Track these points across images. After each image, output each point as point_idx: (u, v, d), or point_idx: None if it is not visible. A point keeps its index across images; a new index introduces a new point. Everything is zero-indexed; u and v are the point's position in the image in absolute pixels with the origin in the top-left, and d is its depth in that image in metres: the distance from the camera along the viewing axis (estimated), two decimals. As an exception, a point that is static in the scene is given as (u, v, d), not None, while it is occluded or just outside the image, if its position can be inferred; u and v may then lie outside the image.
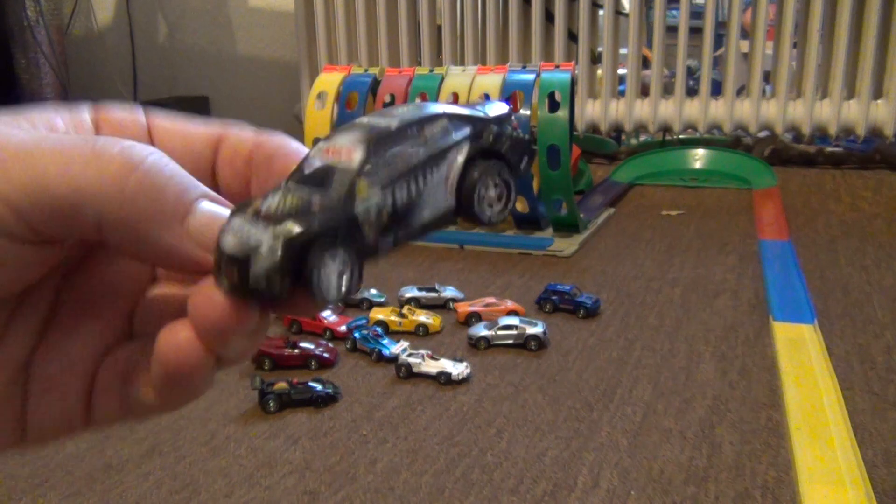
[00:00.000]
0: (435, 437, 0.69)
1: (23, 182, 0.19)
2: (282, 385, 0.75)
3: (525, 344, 0.88)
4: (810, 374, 0.79)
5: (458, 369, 0.80)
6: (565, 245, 1.30)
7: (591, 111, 2.08)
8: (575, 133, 1.90)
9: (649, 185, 1.89)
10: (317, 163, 0.21)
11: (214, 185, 0.25)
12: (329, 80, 1.43)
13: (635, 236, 1.40)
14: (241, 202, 0.22)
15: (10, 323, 0.22)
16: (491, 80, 1.33)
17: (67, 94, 2.29)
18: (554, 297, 1.00)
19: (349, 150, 0.21)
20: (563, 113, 1.28)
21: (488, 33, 2.09)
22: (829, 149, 2.13)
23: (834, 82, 1.90)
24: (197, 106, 2.55)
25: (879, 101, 1.89)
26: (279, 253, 0.19)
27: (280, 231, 0.20)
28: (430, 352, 0.84)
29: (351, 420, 0.73)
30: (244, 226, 0.20)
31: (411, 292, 1.04)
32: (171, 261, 0.22)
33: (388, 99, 1.39)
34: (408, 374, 0.81)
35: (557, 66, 1.33)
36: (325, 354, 0.85)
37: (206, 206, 0.22)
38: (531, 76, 1.31)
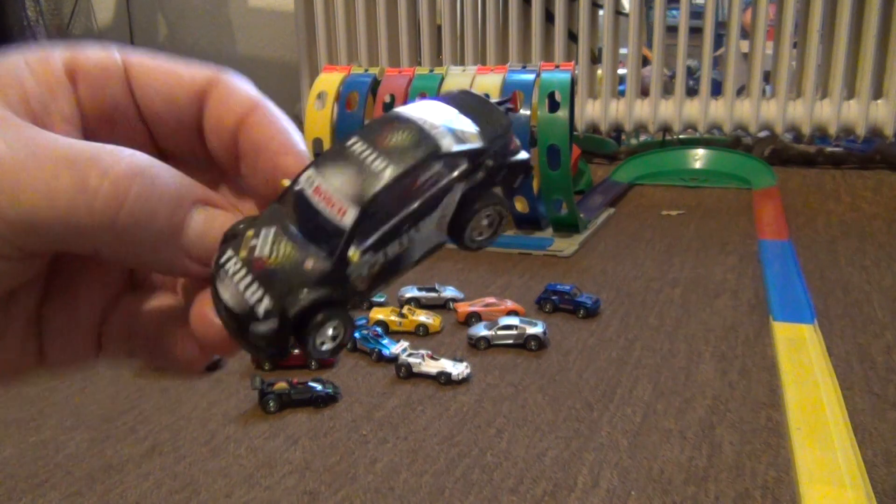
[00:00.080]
0: (435, 437, 0.69)
1: (10, 217, 0.19)
2: (282, 385, 0.75)
3: (525, 344, 0.88)
4: (810, 374, 0.79)
5: (458, 369, 0.80)
6: (565, 245, 1.30)
7: (591, 111, 2.08)
8: (575, 133, 1.90)
9: (649, 185, 1.89)
10: (308, 201, 0.21)
11: (200, 140, 0.24)
12: (329, 80, 1.43)
13: (635, 236, 1.40)
14: (231, 228, 0.22)
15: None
16: (491, 80, 1.33)
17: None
18: (554, 297, 1.00)
19: (342, 209, 0.20)
20: (563, 113, 1.28)
21: (488, 33, 2.09)
22: (829, 149, 2.13)
23: (834, 82, 1.90)
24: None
25: (879, 101, 1.89)
26: (277, 323, 0.20)
27: (276, 299, 0.20)
28: (430, 352, 0.83)
29: (351, 420, 0.73)
30: (239, 272, 0.21)
31: (411, 292, 1.04)
32: (169, 273, 0.22)
33: (388, 99, 1.39)
34: (408, 374, 0.81)
35: (557, 66, 1.33)
36: (325, 354, 0.85)
37: (199, 217, 0.21)
38: (531, 76, 1.31)
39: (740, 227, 1.46)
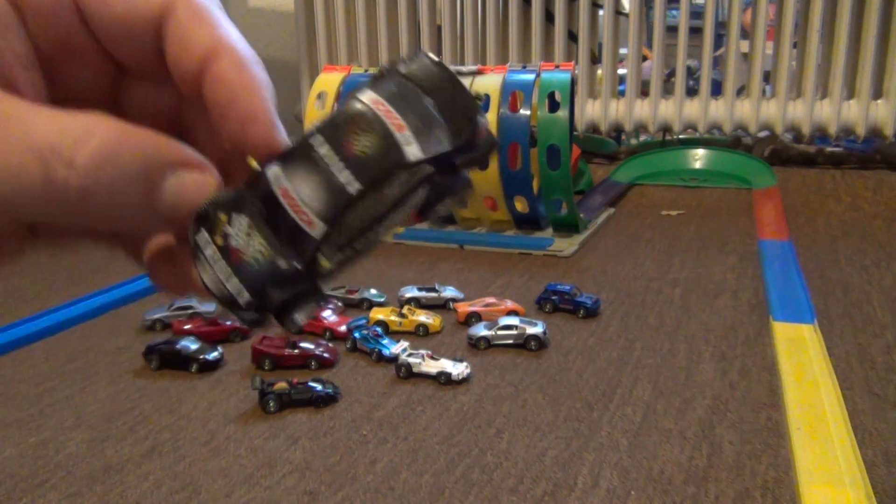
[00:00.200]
0: (435, 437, 0.69)
1: None
2: (282, 385, 0.75)
3: (525, 344, 0.88)
4: (810, 374, 0.79)
5: (458, 369, 0.80)
6: (565, 245, 1.30)
7: (591, 111, 2.08)
8: (575, 133, 1.90)
9: (649, 185, 1.89)
10: (277, 200, 0.22)
11: (165, 65, 0.23)
12: (329, 80, 1.43)
13: (635, 236, 1.40)
14: (203, 206, 0.22)
15: None
16: (491, 80, 1.33)
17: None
18: (554, 297, 1.00)
19: (310, 221, 0.21)
20: (563, 113, 1.28)
21: (488, 33, 2.09)
22: (829, 149, 2.13)
23: (834, 82, 1.90)
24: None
25: (879, 101, 1.89)
26: (256, 314, 0.22)
27: (255, 295, 0.22)
28: (430, 352, 0.83)
29: (351, 420, 0.73)
30: (217, 260, 0.22)
31: (411, 292, 1.04)
32: (143, 235, 0.23)
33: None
34: (408, 374, 0.81)
35: (557, 66, 1.33)
36: (325, 354, 0.85)
37: (172, 187, 0.21)
38: (531, 76, 1.31)
39: (740, 227, 1.46)
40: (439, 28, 2.15)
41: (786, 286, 1.07)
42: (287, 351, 0.84)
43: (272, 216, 0.22)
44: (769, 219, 1.49)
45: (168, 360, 0.85)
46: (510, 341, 0.89)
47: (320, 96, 1.42)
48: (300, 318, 0.23)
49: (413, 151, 0.21)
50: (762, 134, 2.04)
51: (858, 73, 1.89)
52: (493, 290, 1.10)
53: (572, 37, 2.08)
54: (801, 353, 0.84)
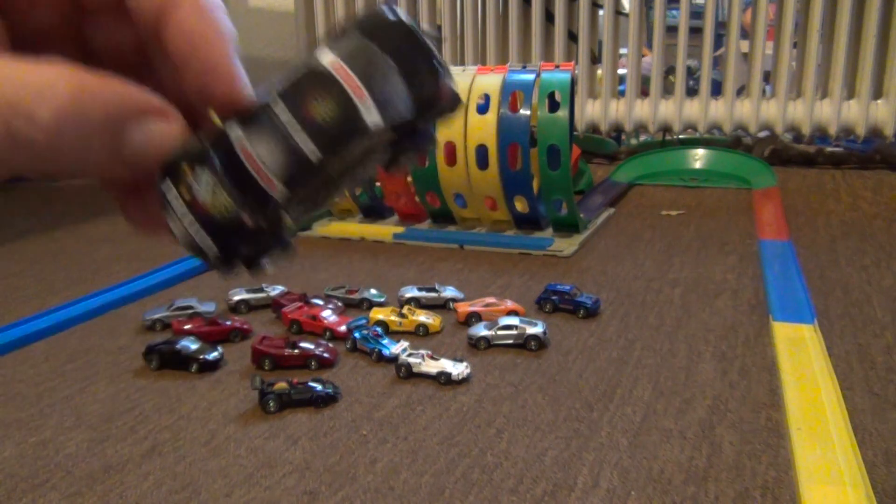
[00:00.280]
0: (435, 437, 0.69)
1: None
2: (282, 385, 0.75)
3: (525, 344, 0.88)
4: (810, 374, 0.79)
5: (458, 369, 0.80)
6: (565, 245, 1.30)
7: (591, 111, 2.08)
8: (575, 133, 1.90)
9: (649, 185, 1.89)
10: (239, 159, 0.22)
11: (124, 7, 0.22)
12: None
13: (635, 236, 1.40)
14: (168, 157, 0.22)
15: None
16: (491, 80, 1.33)
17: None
18: (554, 297, 1.00)
19: (271, 183, 0.22)
20: (563, 113, 1.28)
21: (488, 33, 2.09)
22: (829, 149, 2.13)
23: (834, 82, 1.90)
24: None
25: (879, 101, 1.89)
26: (225, 266, 0.23)
27: (224, 250, 0.23)
28: (430, 352, 0.83)
29: (351, 420, 0.73)
30: (184, 213, 0.22)
31: (411, 292, 1.04)
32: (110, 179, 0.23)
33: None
34: (408, 374, 0.81)
35: (557, 66, 1.33)
36: (325, 354, 0.85)
37: (137, 136, 0.21)
38: (531, 76, 1.31)
39: (740, 227, 1.46)
40: (439, 28, 2.15)
41: (786, 286, 1.07)
42: (287, 351, 0.84)
43: (235, 173, 0.22)
44: (769, 219, 1.49)
45: (168, 360, 0.85)
46: (510, 341, 0.89)
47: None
48: (269, 266, 0.24)
49: (373, 119, 0.21)
50: (762, 134, 2.04)
51: (858, 73, 1.89)
52: (493, 290, 1.10)
53: (572, 37, 2.08)
54: (801, 353, 0.84)
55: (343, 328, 0.92)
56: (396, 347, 0.86)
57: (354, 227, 1.47)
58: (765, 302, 1.02)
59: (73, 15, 0.23)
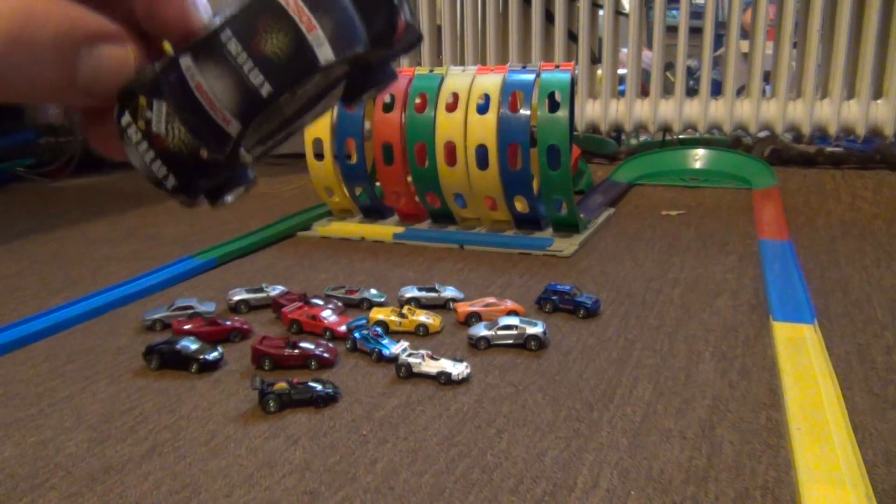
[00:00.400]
0: (435, 437, 0.69)
1: None
2: (282, 385, 0.75)
3: (525, 344, 0.88)
4: (810, 374, 0.79)
5: (458, 369, 0.80)
6: (565, 245, 1.30)
7: (591, 111, 2.08)
8: (575, 133, 1.90)
9: (649, 185, 1.89)
10: (193, 93, 0.22)
11: None
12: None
13: (635, 236, 1.40)
14: (127, 86, 0.22)
15: None
16: (491, 80, 1.33)
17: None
18: (554, 297, 1.00)
19: (225, 118, 0.21)
20: (563, 113, 1.28)
21: (488, 33, 2.09)
22: (829, 149, 2.13)
23: (834, 82, 1.90)
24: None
25: (879, 101, 1.89)
26: (184, 197, 0.23)
27: (181, 181, 0.22)
28: (430, 352, 0.83)
29: (351, 420, 0.73)
30: (141, 143, 0.22)
31: (411, 292, 1.04)
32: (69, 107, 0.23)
33: (388, 99, 1.39)
34: (408, 374, 0.81)
35: (557, 66, 1.33)
36: (325, 354, 0.85)
37: (89, 62, 0.20)
38: (531, 76, 1.31)
39: (740, 227, 1.46)
40: (439, 28, 2.15)
41: (786, 286, 1.07)
42: (287, 351, 0.84)
43: (191, 106, 0.22)
44: (769, 219, 1.49)
45: (168, 360, 0.85)
46: (510, 341, 0.89)
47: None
48: (230, 198, 0.24)
49: (325, 54, 0.21)
50: (762, 134, 2.04)
51: (858, 73, 1.89)
52: (493, 290, 1.10)
53: (572, 37, 2.08)
54: (801, 353, 0.84)
55: (343, 328, 0.92)
56: (396, 347, 0.86)
57: (354, 227, 1.47)
58: (765, 302, 1.02)
59: None
